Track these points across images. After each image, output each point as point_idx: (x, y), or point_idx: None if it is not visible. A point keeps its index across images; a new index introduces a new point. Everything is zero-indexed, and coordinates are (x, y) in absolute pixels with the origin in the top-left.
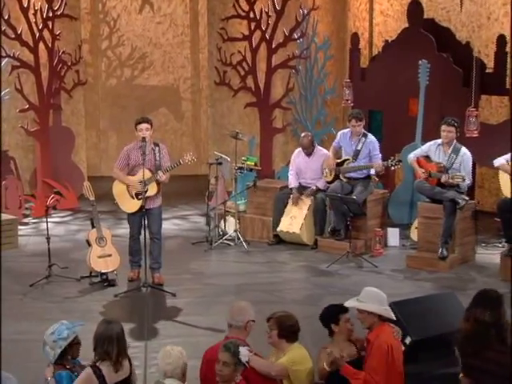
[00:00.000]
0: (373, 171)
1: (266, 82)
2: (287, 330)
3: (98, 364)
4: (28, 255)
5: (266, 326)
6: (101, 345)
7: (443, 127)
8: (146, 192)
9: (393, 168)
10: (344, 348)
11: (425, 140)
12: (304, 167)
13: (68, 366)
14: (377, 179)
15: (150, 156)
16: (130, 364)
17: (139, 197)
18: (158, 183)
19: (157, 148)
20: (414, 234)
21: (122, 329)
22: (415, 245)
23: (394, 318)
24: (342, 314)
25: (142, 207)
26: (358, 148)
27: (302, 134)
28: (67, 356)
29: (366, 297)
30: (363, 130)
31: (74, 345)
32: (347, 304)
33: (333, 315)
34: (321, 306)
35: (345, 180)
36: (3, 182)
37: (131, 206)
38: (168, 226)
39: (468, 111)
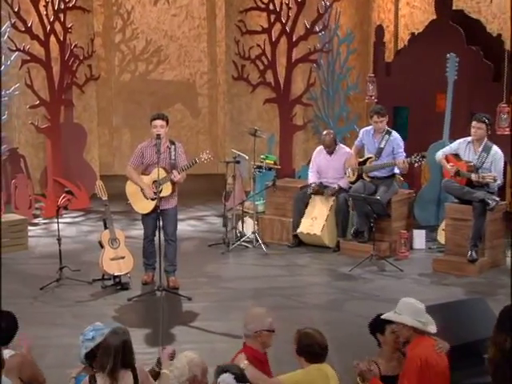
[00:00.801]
0: (397, 170)
1: (286, 76)
2: (304, 349)
3: (96, 374)
4: (38, 257)
5: (286, 333)
6: (99, 355)
7: (473, 123)
8: (160, 192)
9: (416, 165)
10: (391, 360)
11: (453, 138)
12: (325, 166)
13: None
14: (402, 179)
15: (165, 154)
16: (136, 379)
17: (153, 197)
18: (173, 183)
19: (172, 146)
20: (441, 237)
21: (126, 341)
22: (442, 248)
23: (431, 331)
24: (387, 324)
25: (156, 208)
26: (381, 146)
27: (324, 132)
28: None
29: (402, 308)
30: (386, 127)
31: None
32: (384, 316)
33: (379, 325)
34: (343, 311)
35: (368, 179)
36: (13, 181)
37: (145, 206)
38: (183, 227)
39: (499, 107)
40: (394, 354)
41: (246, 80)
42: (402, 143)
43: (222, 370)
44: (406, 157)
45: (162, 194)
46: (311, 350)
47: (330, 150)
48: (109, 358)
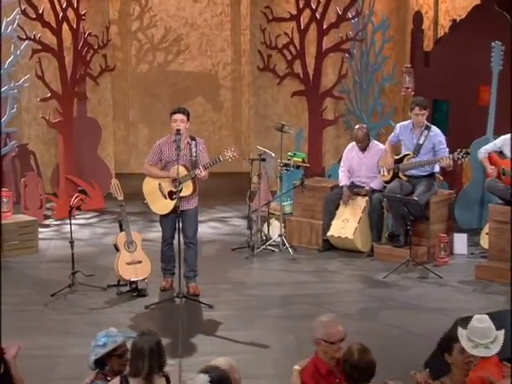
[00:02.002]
0: (437, 168)
1: (315, 67)
2: (343, 367)
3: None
4: (49, 261)
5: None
6: (132, 359)
7: None
8: (180, 191)
9: (460, 162)
10: None
11: (497, 134)
12: (358, 164)
13: (109, 378)
14: (441, 178)
15: (186, 151)
16: (168, 381)
17: (173, 196)
18: (194, 182)
19: (193, 142)
20: (484, 241)
21: (158, 342)
22: (486, 253)
23: (488, 355)
24: (455, 343)
25: (175, 208)
26: (420, 142)
27: (356, 126)
28: (109, 367)
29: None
30: (426, 122)
31: (113, 356)
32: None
33: (447, 343)
34: (376, 321)
35: (405, 178)
36: (22, 180)
37: (163, 206)
38: (205, 229)
39: None
40: (465, 378)
41: (272, 71)
42: (443, 138)
43: (202, 370)
44: (449, 153)
45: (181, 194)
46: (343, 367)
47: (363, 145)
48: (143, 361)
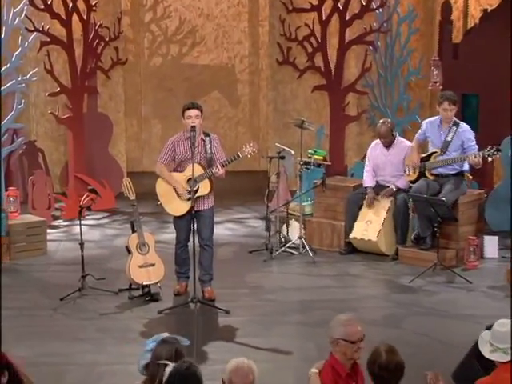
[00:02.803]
0: (466, 167)
1: (337, 60)
2: (368, 367)
3: None
4: (58, 264)
5: None
6: (149, 365)
7: None
8: (196, 191)
9: (490, 159)
10: None
11: None
12: (382, 162)
13: None
14: (471, 177)
15: (200, 148)
16: None
17: (188, 196)
18: (211, 180)
19: (207, 138)
20: None
21: (178, 351)
22: None
23: (504, 360)
24: None
25: (190, 209)
26: (448, 139)
27: (380, 121)
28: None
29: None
30: (454, 118)
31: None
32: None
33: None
34: (402, 328)
35: (432, 177)
36: (30, 178)
37: (178, 207)
38: (221, 231)
39: None
40: None
41: (292, 64)
42: (472, 135)
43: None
44: (479, 150)
45: (198, 194)
46: (371, 368)
47: (387, 141)
48: (158, 369)
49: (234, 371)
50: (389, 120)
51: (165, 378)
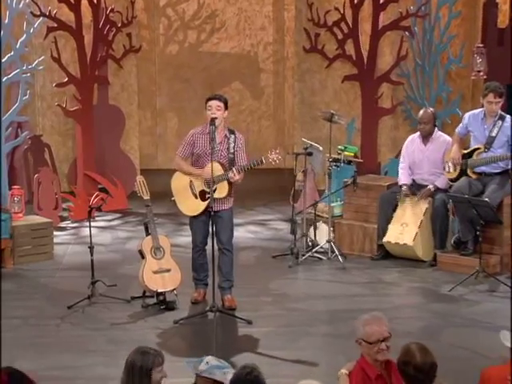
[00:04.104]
0: None
1: (370, 48)
2: (399, 368)
3: None
4: (66, 269)
5: None
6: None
7: None
8: (214, 192)
9: None
10: None
11: None
12: (419, 158)
13: None
14: None
15: (223, 146)
16: None
17: (206, 196)
18: (230, 183)
19: (232, 136)
20: None
21: (151, 363)
22: None
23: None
24: None
25: (207, 209)
26: (493, 134)
27: (422, 109)
28: None
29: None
30: (500, 111)
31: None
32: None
33: None
34: (440, 341)
35: (474, 176)
36: (35, 176)
37: (194, 206)
38: (242, 233)
39: None
40: None
41: (320, 52)
42: None
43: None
44: None
45: (216, 196)
46: (405, 369)
47: (426, 130)
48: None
49: None
50: (431, 108)
51: None
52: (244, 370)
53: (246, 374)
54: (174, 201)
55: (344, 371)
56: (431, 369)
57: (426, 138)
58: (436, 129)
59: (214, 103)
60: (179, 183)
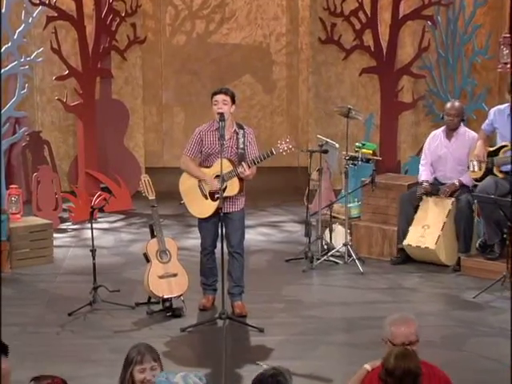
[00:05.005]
0: None
1: (390, 39)
2: (379, 372)
3: None
4: (66, 273)
5: None
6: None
7: None
8: (224, 190)
9: None
10: None
11: None
12: (443, 155)
13: None
14: None
15: (231, 142)
16: None
17: (215, 196)
18: (241, 179)
19: (241, 132)
20: None
21: (130, 358)
22: None
23: None
24: None
25: (218, 210)
26: None
27: (450, 102)
28: None
29: None
30: None
31: None
32: None
33: None
34: (464, 350)
35: (500, 175)
36: (34, 175)
37: (204, 208)
38: (253, 236)
39: None
40: None
41: (336, 43)
42: None
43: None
44: None
45: (226, 194)
46: (379, 373)
47: (453, 122)
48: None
49: None
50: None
51: None
52: (270, 371)
53: (269, 376)
54: (183, 204)
55: (367, 366)
56: (405, 375)
57: (450, 132)
58: (462, 124)
59: (220, 97)
60: (188, 185)
